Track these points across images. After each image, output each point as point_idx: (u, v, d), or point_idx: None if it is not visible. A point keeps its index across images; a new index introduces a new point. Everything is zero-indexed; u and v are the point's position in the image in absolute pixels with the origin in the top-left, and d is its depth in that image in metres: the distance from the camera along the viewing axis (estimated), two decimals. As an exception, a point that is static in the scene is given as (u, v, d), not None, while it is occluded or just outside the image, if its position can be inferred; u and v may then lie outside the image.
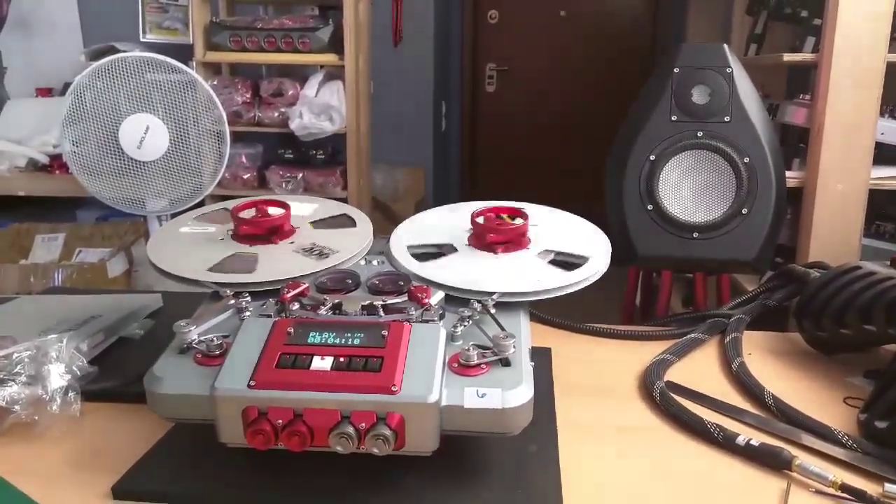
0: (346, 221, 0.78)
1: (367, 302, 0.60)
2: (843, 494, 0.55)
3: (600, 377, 0.79)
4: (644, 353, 0.82)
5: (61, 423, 0.63)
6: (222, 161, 1.30)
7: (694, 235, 0.99)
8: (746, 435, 0.63)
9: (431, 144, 3.65)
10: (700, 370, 0.80)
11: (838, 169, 1.66)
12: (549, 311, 0.89)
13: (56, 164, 2.57)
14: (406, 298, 0.61)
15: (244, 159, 2.62)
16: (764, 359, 0.83)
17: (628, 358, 0.82)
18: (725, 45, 1.02)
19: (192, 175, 1.27)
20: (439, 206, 0.82)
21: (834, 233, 1.68)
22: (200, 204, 1.22)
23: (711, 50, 1.02)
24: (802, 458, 0.59)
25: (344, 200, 1.98)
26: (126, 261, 2.29)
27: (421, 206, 3.22)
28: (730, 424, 0.66)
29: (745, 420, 0.68)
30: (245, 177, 2.61)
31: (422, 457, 0.52)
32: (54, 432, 0.63)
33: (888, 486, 0.57)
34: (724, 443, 0.63)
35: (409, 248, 0.71)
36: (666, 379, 0.75)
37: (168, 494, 0.55)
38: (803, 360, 0.83)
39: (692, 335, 0.86)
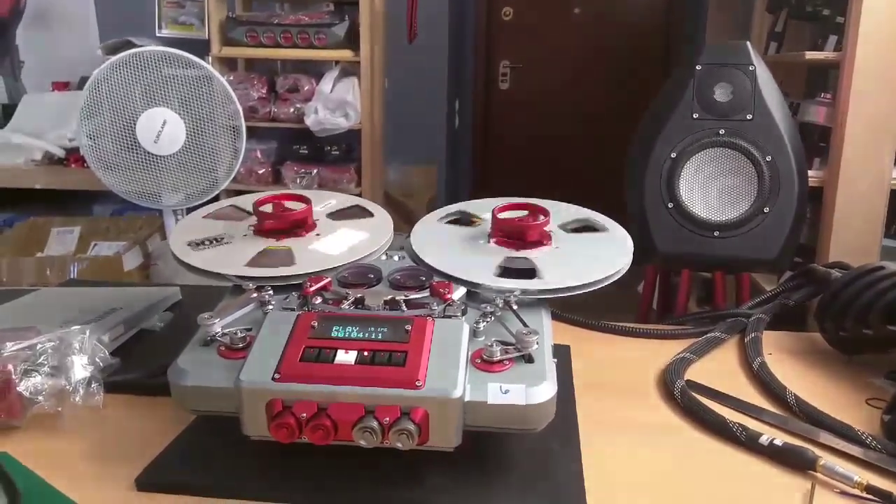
0: (364, 216, 0.78)
1: (390, 297, 0.60)
2: (869, 496, 0.55)
3: (619, 375, 0.78)
4: (662, 352, 0.82)
5: (84, 415, 0.64)
6: (238, 156, 1.30)
7: (715, 234, 0.98)
8: (769, 435, 0.62)
9: (444, 141, 3.64)
10: (720, 369, 0.80)
11: (860, 168, 1.64)
12: (565, 308, 0.89)
13: (72, 157, 2.59)
14: (428, 294, 0.61)
15: (259, 154, 2.63)
16: (784, 359, 0.83)
17: (647, 356, 0.82)
18: (748, 43, 1.01)
19: (208, 170, 1.27)
20: (452, 203, 0.82)
21: (854, 233, 1.66)
22: (216, 198, 1.22)
23: (734, 47, 1.01)
24: (826, 458, 0.59)
25: (358, 196, 1.98)
26: (141, 254, 2.31)
27: (434, 203, 3.22)
28: (751, 424, 0.65)
29: (766, 420, 0.68)
30: (260, 172, 2.62)
31: (444, 452, 0.52)
32: (77, 423, 0.64)
33: (914, 488, 0.56)
34: (746, 442, 0.63)
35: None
36: (686, 378, 0.75)
37: (191, 486, 0.55)
38: (824, 361, 0.82)
39: (712, 334, 0.85)
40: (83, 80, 2.81)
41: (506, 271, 0.65)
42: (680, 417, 0.69)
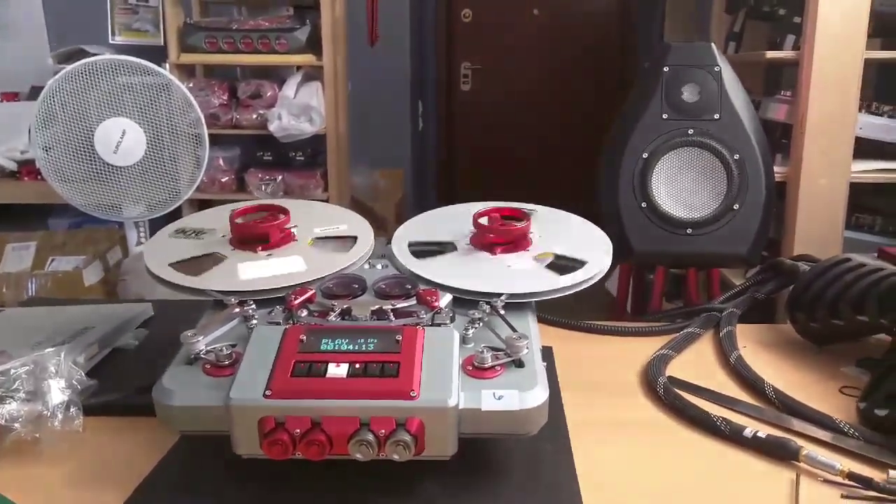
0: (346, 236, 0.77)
1: (377, 306, 0.59)
2: (851, 482, 0.57)
3: (602, 374, 0.79)
4: (641, 349, 0.83)
5: (64, 440, 0.61)
6: (201, 165, 1.28)
7: (687, 231, 1.00)
8: (752, 427, 0.64)
9: (409, 144, 3.63)
10: (698, 364, 0.81)
11: (821, 163, 1.70)
12: (538, 309, 0.89)
13: (25, 170, 2.50)
14: (415, 302, 0.61)
15: (221, 162, 2.58)
16: (758, 351, 0.84)
17: (627, 354, 0.83)
18: (713, 45, 1.04)
19: (170, 179, 1.24)
20: (419, 206, 0.82)
21: (817, 226, 1.72)
22: (178, 209, 1.19)
23: (699, 49, 1.04)
24: (808, 448, 0.60)
25: (325, 202, 1.96)
26: (102, 268, 2.24)
27: (401, 207, 3.21)
28: (734, 417, 0.67)
29: (748, 412, 0.69)
30: (223, 180, 2.57)
31: (441, 461, 0.52)
32: (57, 449, 0.61)
33: (893, 472, 0.58)
34: (731, 436, 0.64)
35: (410, 244, 0.71)
36: (667, 374, 0.76)
37: (182, 509, 0.54)
38: (796, 352, 0.84)
39: (688, 330, 0.87)
40: (34, 90, 2.72)
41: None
42: (664, 413, 0.70)
